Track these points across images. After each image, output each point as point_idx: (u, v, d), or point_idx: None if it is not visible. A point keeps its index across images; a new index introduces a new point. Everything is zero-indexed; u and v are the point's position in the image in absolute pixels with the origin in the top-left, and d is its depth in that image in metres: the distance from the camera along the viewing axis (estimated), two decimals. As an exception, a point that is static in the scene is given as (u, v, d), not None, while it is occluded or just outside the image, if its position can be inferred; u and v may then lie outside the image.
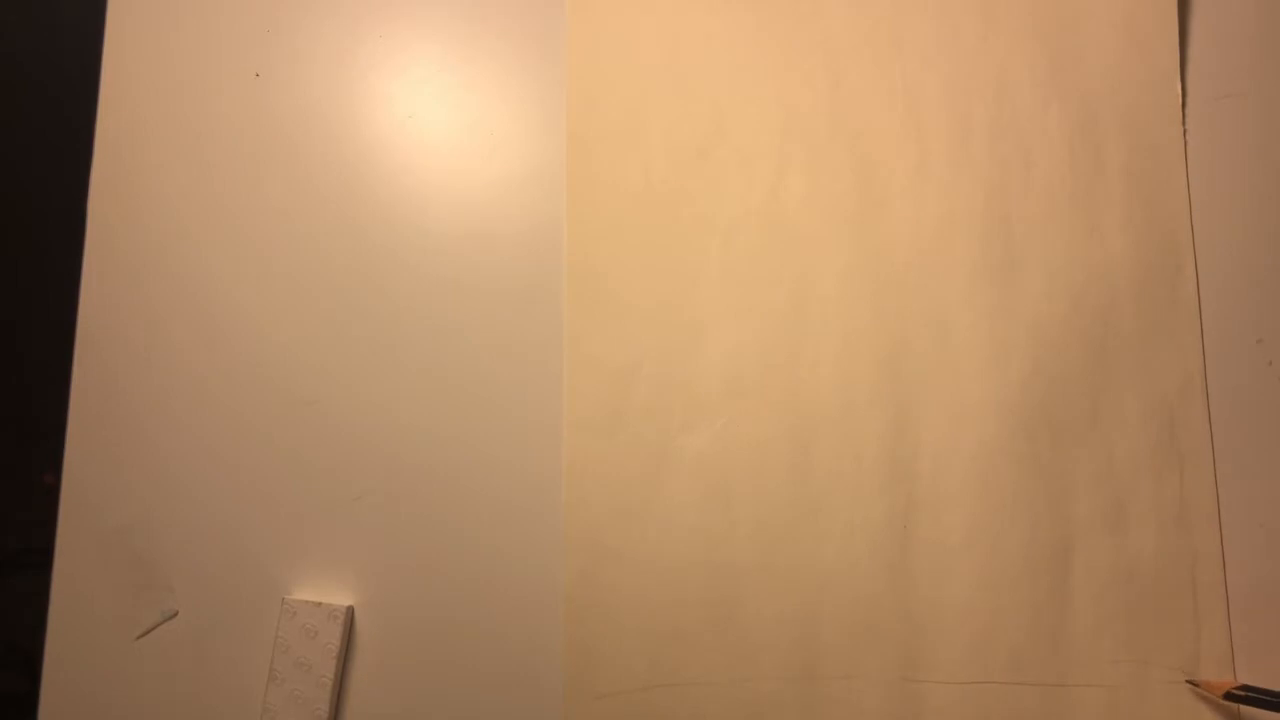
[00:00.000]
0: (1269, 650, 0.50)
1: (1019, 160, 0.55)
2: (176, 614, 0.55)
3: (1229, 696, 0.48)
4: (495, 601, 0.54)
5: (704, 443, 0.54)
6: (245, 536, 0.55)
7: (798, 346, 0.54)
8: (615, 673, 0.52)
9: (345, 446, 0.56)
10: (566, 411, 0.54)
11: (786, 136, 0.56)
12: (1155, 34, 0.55)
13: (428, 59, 0.59)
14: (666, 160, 0.56)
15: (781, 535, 0.53)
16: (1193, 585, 0.50)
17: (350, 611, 0.54)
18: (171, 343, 0.57)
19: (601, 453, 0.54)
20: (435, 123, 0.59)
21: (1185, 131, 0.54)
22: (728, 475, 0.53)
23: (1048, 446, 0.52)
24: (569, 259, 0.56)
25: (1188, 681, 0.50)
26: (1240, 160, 0.54)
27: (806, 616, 0.52)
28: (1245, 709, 0.49)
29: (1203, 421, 0.52)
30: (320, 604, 0.54)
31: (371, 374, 0.56)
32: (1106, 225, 0.54)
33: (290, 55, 0.60)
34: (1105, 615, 0.51)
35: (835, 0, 0.57)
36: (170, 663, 0.55)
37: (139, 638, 0.55)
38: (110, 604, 0.55)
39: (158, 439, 0.56)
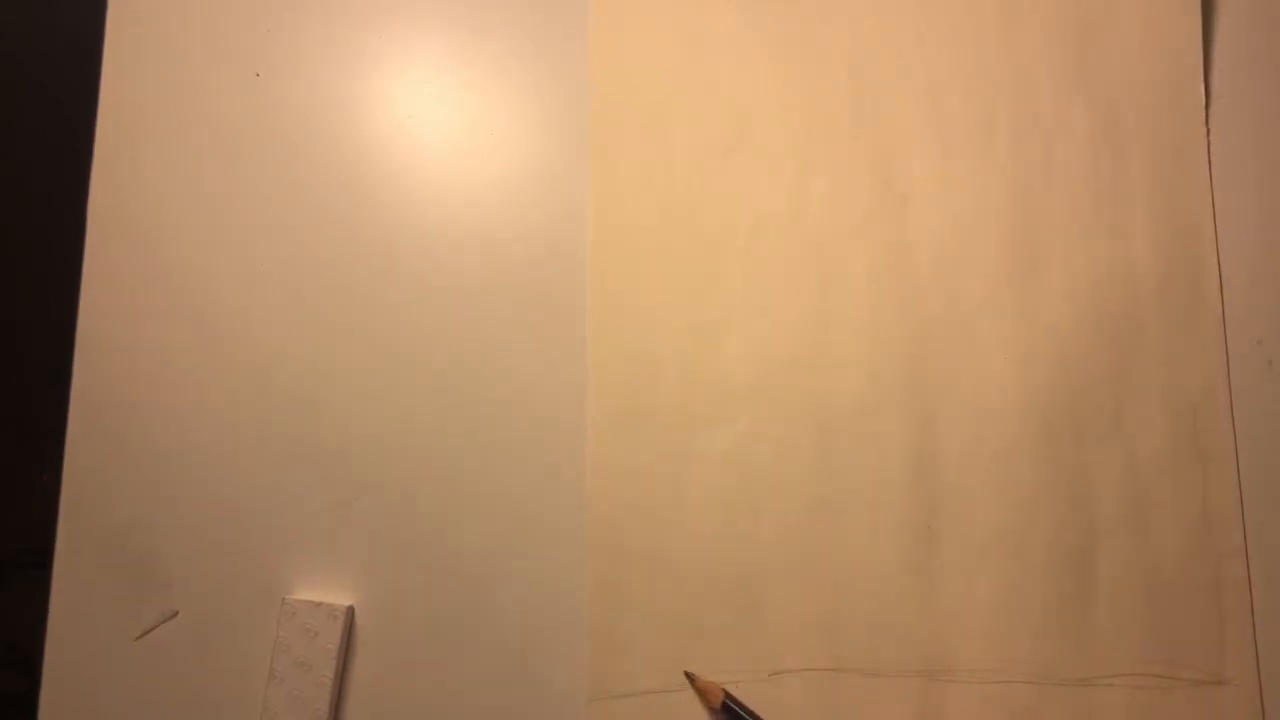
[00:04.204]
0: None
1: (1041, 160, 0.55)
2: (176, 614, 0.55)
3: (724, 707, 0.50)
4: (499, 601, 0.54)
5: (727, 442, 0.54)
6: (245, 536, 0.55)
7: (820, 345, 0.54)
8: (639, 672, 0.52)
9: (346, 446, 0.56)
10: (590, 409, 0.54)
11: (809, 136, 0.56)
12: (1178, 33, 0.55)
13: (428, 59, 0.59)
14: (689, 160, 0.56)
15: (805, 535, 0.53)
16: (1216, 584, 0.50)
17: (350, 611, 0.54)
18: (172, 343, 0.57)
19: (625, 451, 0.54)
20: (435, 123, 0.59)
21: (1208, 132, 0.54)
22: (751, 474, 0.53)
23: (1070, 446, 0.52)
24: (592, 258, 0.56)
25: (685, 673, 0.50)
26: (1237, 160, 0.54)
27: (830, 615, 0.52)
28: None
29: (1226, 422, 0.52)
30: (320, 604, 0.54)
31: (372, 373, 0.56)
32: (1129, 225, 0.54)
33: (290, 55, 0.60)
34: (1129, 615, 0.51)
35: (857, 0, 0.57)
36: (170, 663, 0.55)
37: (139, 638, 0.55)
38: (110, 604, 0.55)
39: (158, 439, 0.56)
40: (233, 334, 0.57)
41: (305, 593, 0.55)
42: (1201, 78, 0.55)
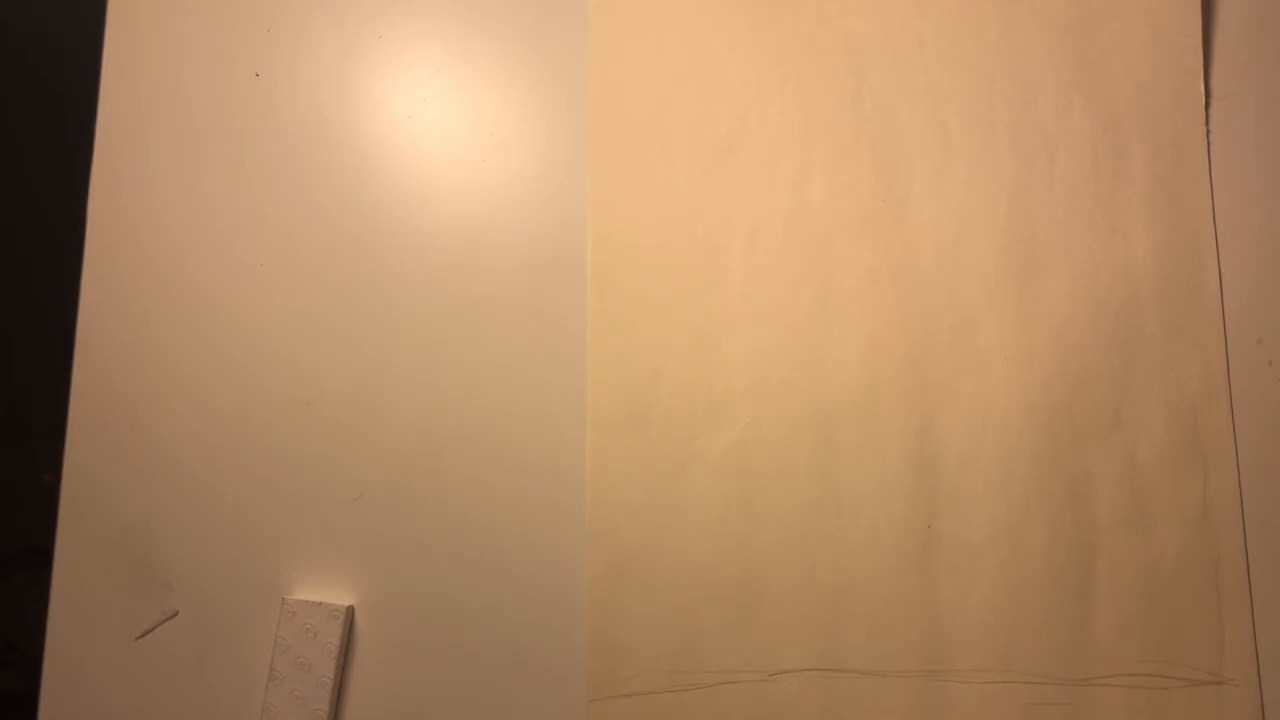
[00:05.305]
0: None
1: (1042, 160, 0.55)
2: (176, 614, 0.55)
3: None
4: (499, 602, 0.54)
5: (727, 442, 0.54)
6: (245, 536, 0.55)
7: (821, 346, 0.54)
8: (639, 672, 0.52)
9: (346, 447, 0.56)
10: (590, 411, 0.54)
11: (809, 137, 0.56)
12: (1178, 33, 0.55)
13: (428, 59, 0.59)
14: (690, 161, 0.56)
15: (805, 534, 0.53)
16: (1216, 585, 0.51)
17: (350, 611, 0.54)
18: (171, 343, 0.57)
19: (625, 452, 0.54)
20: (435, 123, 0.59)
21: (1209, 132, 0.54)
22: (751, 475, 0.53)
23: (1070, 446, 0.52)
24: (592, 259, 0.56)
25: None
26: (1237, 160, 0.54)
27: (830, 615, 0.52)
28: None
29: (1225, 421, 0.52)
30: (320, 604, 0.54)
31: (372, 374, 0.56)
32: (1129, 225, 0.54)
33: (290, 55, 0.60)
34: (1128, 614, 0.51)
35: (858, 0, 0.57)
36: (170, 663, 0.55)
37: (139, 638, 0.55)
38: (110, 604, 0.55)
39: (158, 439, 0.56)
40: (233, 333, 0.57)
41: (305, 593, 0.55)
42: (1201, 78, 0.55)
